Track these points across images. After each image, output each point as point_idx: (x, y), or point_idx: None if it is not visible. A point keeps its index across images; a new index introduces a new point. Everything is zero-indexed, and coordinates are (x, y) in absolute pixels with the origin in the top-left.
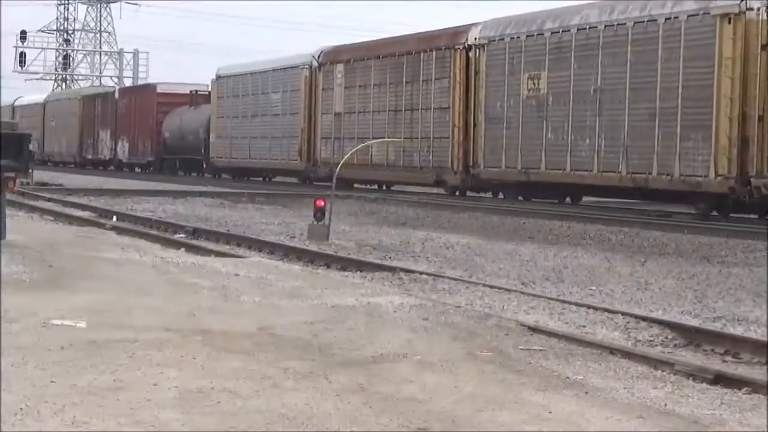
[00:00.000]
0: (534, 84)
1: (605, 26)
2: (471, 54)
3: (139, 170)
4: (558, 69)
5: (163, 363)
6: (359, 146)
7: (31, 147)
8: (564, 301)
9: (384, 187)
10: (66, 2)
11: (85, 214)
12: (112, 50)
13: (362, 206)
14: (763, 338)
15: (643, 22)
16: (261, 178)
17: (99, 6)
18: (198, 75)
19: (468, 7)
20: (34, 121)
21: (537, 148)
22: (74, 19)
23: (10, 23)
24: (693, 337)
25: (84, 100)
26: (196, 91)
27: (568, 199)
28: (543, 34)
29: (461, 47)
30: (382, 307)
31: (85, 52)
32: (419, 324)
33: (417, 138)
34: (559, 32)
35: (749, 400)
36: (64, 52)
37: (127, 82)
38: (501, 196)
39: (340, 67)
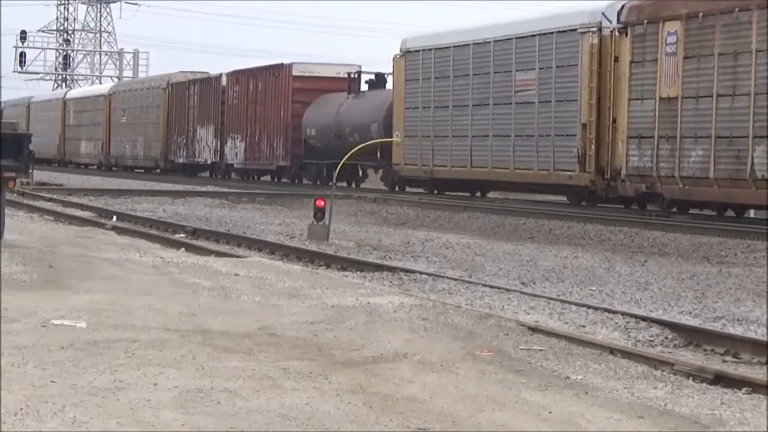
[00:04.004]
0: None
1: None
2: None
3: (254, 178)
4: None
5: (163, 363)
6: (368, 142)
7: (30, 147)
8: (564, 301)
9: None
10: (66, 2)
11: (85, 214)
12: (112, 50)
13: (362, 206)
14: (763, 338)
15: None
16: (470, 193)
17: (99, 6)
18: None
19: (468, 8)
20: (95, 116)
21: None
22: (74, 19)
23: (10, 23)
24: (693, 337)
25: (173, 89)
26: (358, 72)
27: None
28: None
29: None
30: (382, 307)
31: (85, 52)
32: (419, 324)
33: None
34: None
35: (749, 400)
36: (64, 52)
37: None
38: None
39: (672, 25)
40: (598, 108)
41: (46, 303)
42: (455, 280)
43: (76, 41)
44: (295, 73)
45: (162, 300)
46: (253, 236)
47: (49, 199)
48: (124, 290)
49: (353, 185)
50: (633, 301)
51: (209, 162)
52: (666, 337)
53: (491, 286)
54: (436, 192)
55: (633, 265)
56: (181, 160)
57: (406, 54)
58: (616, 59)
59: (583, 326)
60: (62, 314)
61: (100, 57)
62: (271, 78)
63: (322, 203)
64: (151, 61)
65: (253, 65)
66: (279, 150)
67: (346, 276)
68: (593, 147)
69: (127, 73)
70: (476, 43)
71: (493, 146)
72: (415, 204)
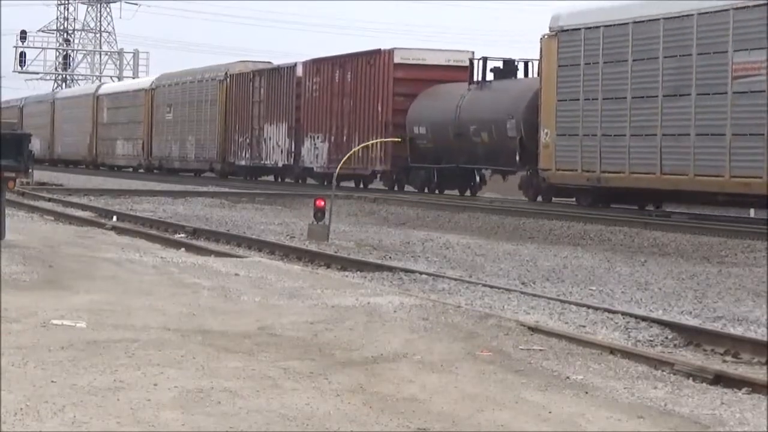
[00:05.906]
0: None
1: None
2: None
3: (325, 183)
4: None
5: (163, 363)
6: (362, 144)
7: (30, 147)
8: (564, 301)
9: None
10: (66, 2)
11: (86, 214)
12: (112, 50)
13: (362, 206)
14: (763, 338)
15: None
16: (638, 206)
17: (99, 6)
18: None
19: (468, 7)
20: (133, 113)
21: None
22: (74, 19)
23: (10, 23)
24: (693, 337)
25: (232, 81)
26: (483, 58)
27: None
28: None
29: None
30: (382, 307)
31: (85, 52)
32: (419, 324)
33: None
34: None
35: (749, 400)
36: (64, 52)
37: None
38: None
39: None
40: None
41: (46, 303)
42: (455, 280)
43: (76, 41)
44: (397, 60)
45: (162, 300)
46: (253, 236)
47: (49, 199)
48: (124, 290)
49: (467, 193)
50: (633, 301)
51: (280, 165)
52: (666, 337)
53: (491, 286)
54: (600, 205)
55: (633, 265)
56: (243, 163)
57: (560, 33)
58: None
59: (583, 326)
60: (62, 314)
61: (100, 57)
62: (364, 66)
63: (322, 203)
64: (151, 61)
65: (253, 65)
66: (375, 152)
67: (346, 276)
68: None
69: (127, 73)
70: (668, 18)
71: (696, 147)
72: (415, 204)
